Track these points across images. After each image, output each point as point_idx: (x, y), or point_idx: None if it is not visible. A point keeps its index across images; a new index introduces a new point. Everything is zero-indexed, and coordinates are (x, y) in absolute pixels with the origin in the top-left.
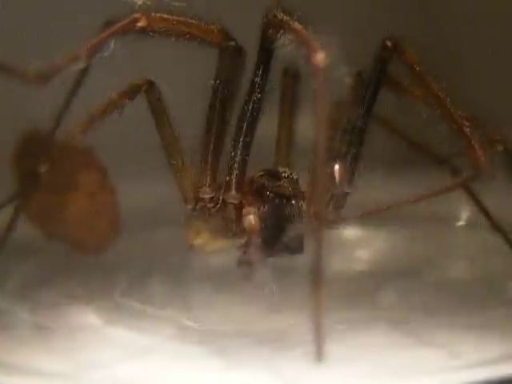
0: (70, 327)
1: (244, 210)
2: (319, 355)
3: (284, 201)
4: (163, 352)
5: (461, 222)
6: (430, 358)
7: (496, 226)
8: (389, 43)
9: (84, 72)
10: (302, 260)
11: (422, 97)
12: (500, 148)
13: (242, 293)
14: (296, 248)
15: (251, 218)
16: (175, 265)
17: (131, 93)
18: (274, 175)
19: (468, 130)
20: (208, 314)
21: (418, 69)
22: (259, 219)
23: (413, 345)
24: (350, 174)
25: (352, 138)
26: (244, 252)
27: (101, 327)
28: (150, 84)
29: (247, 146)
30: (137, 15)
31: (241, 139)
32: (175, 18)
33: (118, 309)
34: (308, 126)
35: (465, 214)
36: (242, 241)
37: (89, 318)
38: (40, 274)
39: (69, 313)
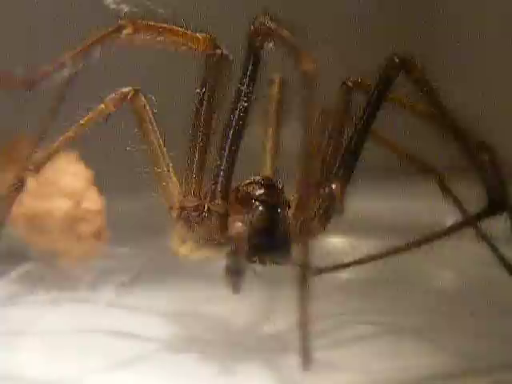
0: (53, 334)
1: (230, 218)
2: (306, 363)
3: (269, 209)
4: (151, 360)
5: None
6: (415, 365)
7: (482, 235)
8: (397, 60)
9: (70, 79)
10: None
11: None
12: (486, 157)
13: (230, 301)
14: (282, 256)
15: (238, 226)
16: (163, 272)
17: (117, 101)
18: (259, 184)
19: (480, 159)
20: (197, 322)
21: (426, 88)
22: (246, 227)
23: (400, 351)
24: (342, 185)
25: (348, 151)
26: (231, 260)
27: (86, 335)
28: (136, 92)
29: (233, 155)
30: (123, 22)
31: (227, 148)
32: (161, 25)
33: (104, 316)
34: (294, 134)
35: (450, 222)
36: (229, 249)
37: (74, 325)
38: (25, 280)
39: (53, 319)
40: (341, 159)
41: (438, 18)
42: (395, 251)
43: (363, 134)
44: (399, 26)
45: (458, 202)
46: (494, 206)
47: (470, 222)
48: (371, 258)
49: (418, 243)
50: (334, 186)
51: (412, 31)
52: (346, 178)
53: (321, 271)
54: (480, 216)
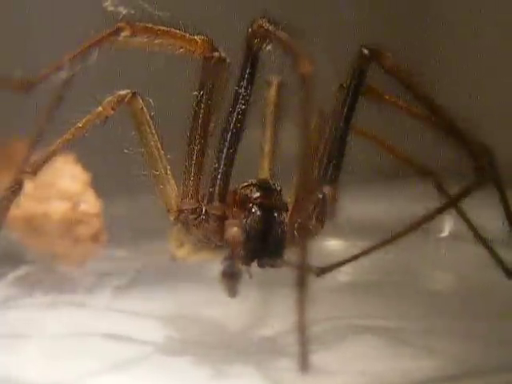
0: (50, 336)
1: (226, 222)
2: (304, 366)
3: (267, 212)
4: (148, 363)
5: (444, 233)
6: (413, 368)
7: (480, 237)
8: (366, 51)
9: (68, 81)
10: (286, 270)
11: (405, 107)
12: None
13: (227, 304)
14: (280, 259)
15: (233, 231)
16: (160, 275)
17: (115, 103)
18: (257, 186)
19: (464, 133)
20: (193, 325)
21: (400, 75)
22: (242, 231)
23: (398, 354)
24: (333, 185)
25: (333, 149)
26: (227, 264)
27: (84, 338)
28: (134, 94)
29: (231, 158)
30: (121, 25)
31: (224, 150)
32: (159, 28)
33: (102, 319)
34: (292, 137)
35: (448, 225)
36: (225, 253)
37: (72, 328)
38: (23, 283)
39: (51, 322)
40: (327, 158)
41: (434, 23)
42: (393, 239)
43: (344, 131)
44: (395, 29)
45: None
46: (483, 175)
47: (460, 196)
48: (369, 251)
49: (415, 226)
50: (326, 190)
51: (408, 34)
52: (335, 178)
53: (323, 271)
54: (470, 188)
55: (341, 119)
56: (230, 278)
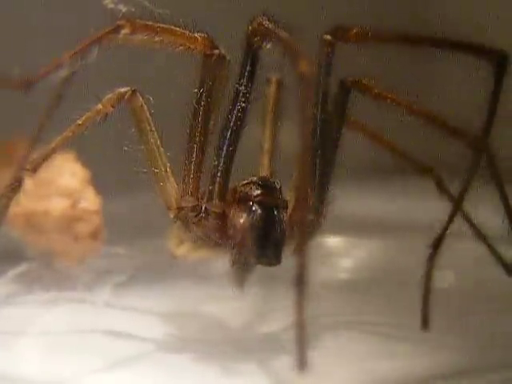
0: (50, 333)
1: (232, 214)
2: (302, 364)
3: (267, 210)
4: (148, 360)
5: None
6: (413, 365)
7: (480, 235)
8: (328, 37)
9: (68, 79)
10: (286, 268)
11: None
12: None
13: (227, 300)
14: (275, 258)
15: (242, 219)
16: (160, 273)
17: (114, 101)
18: (257, 184)
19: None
20: (193, 322)
21: (373, 39)
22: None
23: (398, 351)
24: (326, 181)
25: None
26: (238, 254)
27: (84, 335)
28: (133, 92)
29: (231, 155)
30: (121, 22)
31: (224, 148)
32: (159, 25)
33: (102, 316)
34: (292, 135)
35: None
36: (232, 244)
37: (72, 325)
38: (23, 280)
39: (51, 319)
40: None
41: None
42: None
43: (324, 123)
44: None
45: (455, 202)
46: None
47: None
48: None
49: None
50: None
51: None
52: (322, 170)
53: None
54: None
55: (317, 112)
56: (242, 268)
